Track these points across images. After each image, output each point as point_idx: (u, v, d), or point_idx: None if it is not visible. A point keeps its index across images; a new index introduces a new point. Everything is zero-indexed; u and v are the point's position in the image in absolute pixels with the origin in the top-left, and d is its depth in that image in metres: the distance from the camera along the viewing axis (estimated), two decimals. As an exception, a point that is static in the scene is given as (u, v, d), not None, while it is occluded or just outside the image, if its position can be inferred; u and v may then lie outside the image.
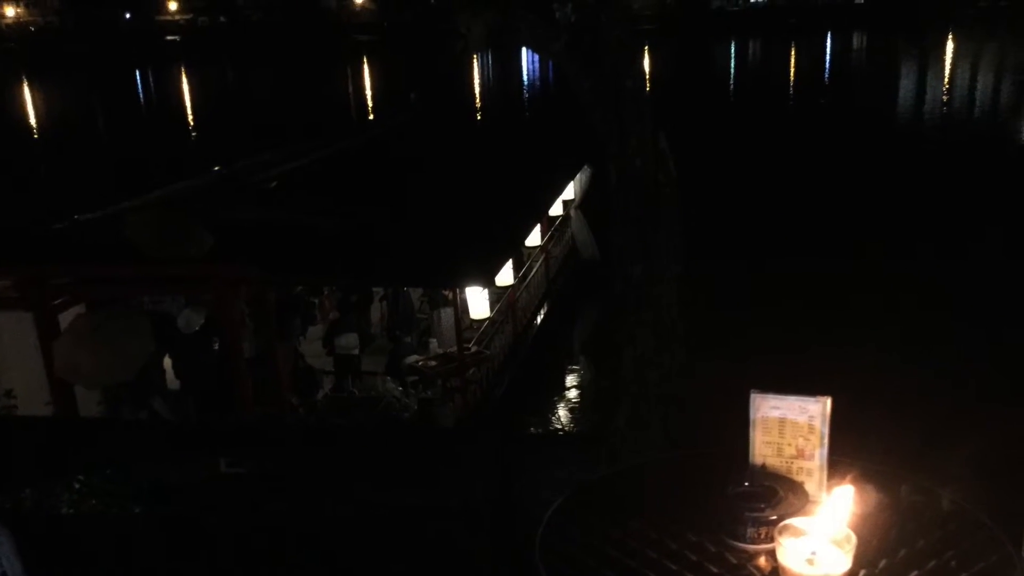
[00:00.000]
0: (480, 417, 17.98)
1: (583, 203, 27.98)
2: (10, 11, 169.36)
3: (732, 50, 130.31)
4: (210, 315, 16.20)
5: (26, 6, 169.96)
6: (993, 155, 45.44)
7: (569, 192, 27.50)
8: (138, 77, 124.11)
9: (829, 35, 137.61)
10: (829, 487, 3.21)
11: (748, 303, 23.13)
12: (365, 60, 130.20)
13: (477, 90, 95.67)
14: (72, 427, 15.04)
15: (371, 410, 17.33)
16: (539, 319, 23.59)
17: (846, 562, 2.81)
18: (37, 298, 15.75)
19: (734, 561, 3.07)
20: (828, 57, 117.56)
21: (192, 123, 79.67)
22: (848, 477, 3.13)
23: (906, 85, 79.06)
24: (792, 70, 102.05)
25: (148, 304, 17.51)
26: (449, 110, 66.43)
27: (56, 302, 15.92)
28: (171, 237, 15.72)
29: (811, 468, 3.27)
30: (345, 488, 10.44)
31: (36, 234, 18.44)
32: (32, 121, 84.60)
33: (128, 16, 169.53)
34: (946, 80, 78.92)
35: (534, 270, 24.11)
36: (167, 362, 16.95)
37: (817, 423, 3.24)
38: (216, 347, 16.42)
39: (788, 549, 2.86)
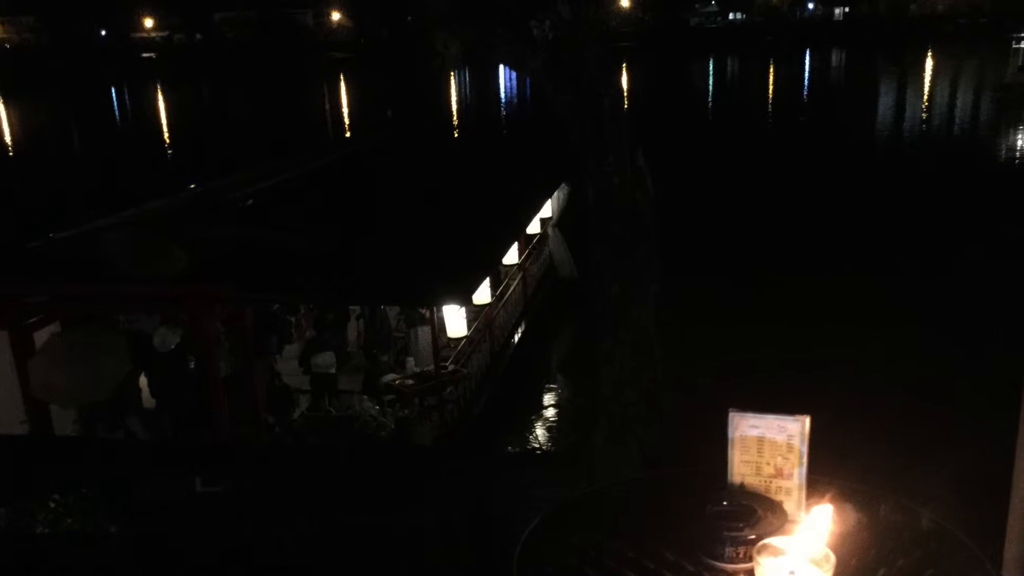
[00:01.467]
0: (458, 436, 17.93)
1: (561, 221, 27.97)
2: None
3: (710, 67, 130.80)
4: (186, 334, 16.13)
5: (1, 24, 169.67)
6: (972, 172, 45.69)
7: (547, 210, 27.50)
8: (114, 94, 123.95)
9: (807, 52, 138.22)
10: (808, 506, 3.20)
11: (727, 321, 23.13)
12: (342, 77, 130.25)
13: (454, 107, 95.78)
14: (47, 446, 14.98)
15: (348, 429, 17.26)
16: (517, 337, 23.57)
17: (825, 582, 2.80)
18: (12, 316, 15.66)
19: (713, 581, 3.06)
20: (807, 74, 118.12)
21: (168, 140, 79.63)
22: (827, 496, 3.12)
23: (885, 102, 79.53)
24: (771, 87, 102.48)
25: (123, 323, 17.43)
26: (426, 127, 66.58)
27: (31, 320, 15.84)
28: (146, 255, 15.68)
29: (790, 487, 3.26)
30: (321, 507, 10.41)
31: (11, 252, 18.36)
32: (7, 138, 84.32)
33: (103, 33, 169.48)
34: (925, 97, 79.40)
35: (511, 288, 24.08)
36: (142, 381, 16.87)
37: (796, 442, 3.22)
38: (192, 366, 16.35)
39: (767, 568, 2.85)
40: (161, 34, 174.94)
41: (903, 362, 19.53)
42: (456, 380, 18.84)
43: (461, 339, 20.45)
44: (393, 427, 17.48)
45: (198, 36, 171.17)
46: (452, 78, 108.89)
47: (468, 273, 17.87)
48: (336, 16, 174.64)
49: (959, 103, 76.87)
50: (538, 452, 19.71)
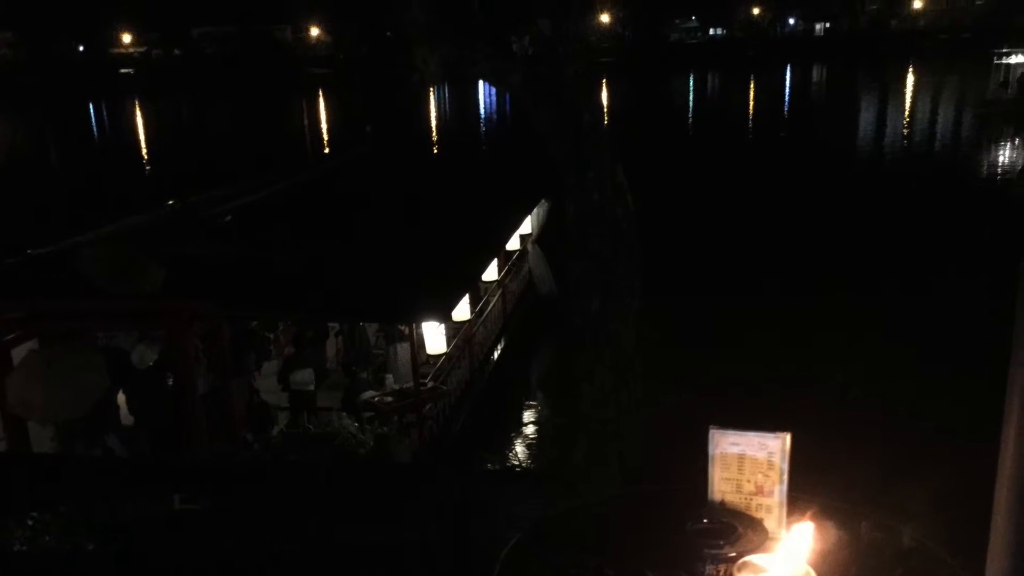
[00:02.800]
0: (437, 453, 17.88)
1: (541, 237, 27.97)
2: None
3: (691, 83, 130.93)
4: (164, 350, 16.07)
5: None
6: (954, 189, 45.81)
7: (527, 226, 27.49)
8: (91, 110, 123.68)
9: (788, 68, 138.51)
10: (789, 524, 3.18)
11: (708, 339, 23.15)
12: (321, 94, 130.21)
13: (434, 123, 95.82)
14: (25, 463, 14.89)
15: (327, 446, 17.20)
16: (496, 354, 23.54)
17: (806, 600, 2.78)
18: (-11, 333, 15.59)
19: (693, 599, 3.04)
20: (788, 90, 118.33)
21: (146, 156, 79.56)
22: (808, 513, 3.11)
23: (866, 118, 79.75)
24: (751, 103, 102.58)
25: (101, 339, 17.36)
26: (405, 143, 66.58)
27: (8, 337, 15.76)
28: (124, 271, 15.62)
29: (770, 504, 3.25)
30: (300, 525, 10.36)
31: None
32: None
33: (81, 49, 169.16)
34: (906, 113, 79.64)
35: (491, 305, 24.07)
36: (120, 398, 16.79)
37: (777, 459, 3.21)
38: (170, 383, 16.28)
39: (748, 587, 2.83)
40: (139, 50, 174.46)
41: (884, 378, 19.56)
42: (435, 397, 18.80)
43: (440, 356, 20.42)
44: (372, 444, 17.43)
45: (176, 51, 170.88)
46: (432, 94, 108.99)
47: (448, 290, 17.86)
48: (315, 32, 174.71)
49: (940, 119, 77.15)
50: (518, 469, 19.68)
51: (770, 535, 3.16)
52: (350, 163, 31.79)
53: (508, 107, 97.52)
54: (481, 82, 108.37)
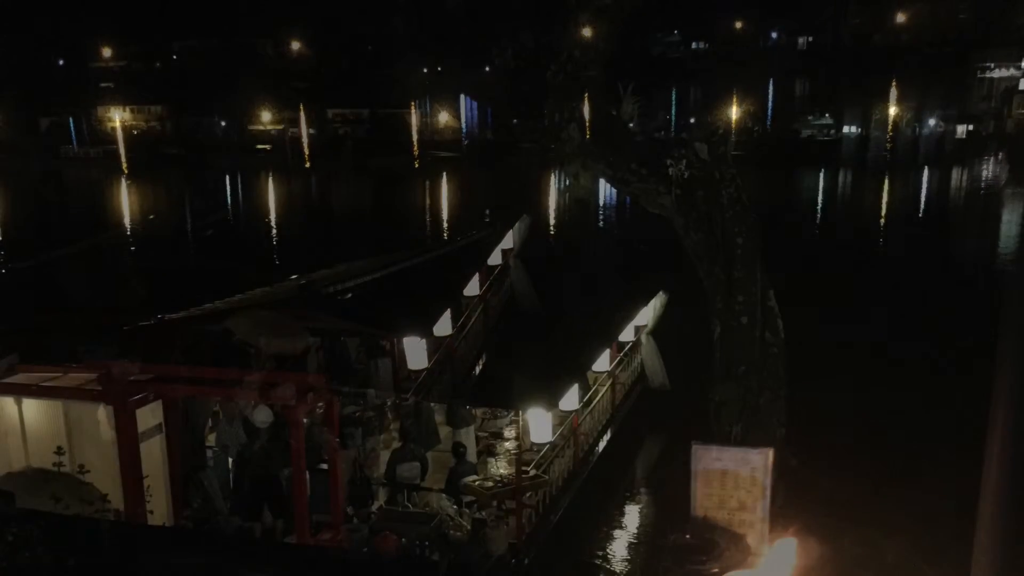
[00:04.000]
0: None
1: (522, 252, 27.90)
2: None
3: (673, 97, 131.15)
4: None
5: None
6: (938, 202, 46.04)
7: (508, 241, 27.42)
8: (71, 123, 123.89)
9: (771, 81, 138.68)
10: (771, 539, 3.20)
11: (695, 351, 23.15)
12: (302, 108, 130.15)
13: (415, 137, 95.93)
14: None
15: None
16: (478, 369, 23.45)
17: (790, 616, 2.79)
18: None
19: (676, 615, 3.05)
20: (770, 103, 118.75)
21: (126, 169, 79.86)
22: (791, 529, 3.12)
23: (849, 131, 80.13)
24: (734, 116, 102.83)
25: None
26: (388, 156, 66.65)
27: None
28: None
29: (753, 520, 3.26)
30: None
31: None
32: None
33: (61, 63, 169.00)
34: (889, 126, 79.96)
35: (473, 320, 24.00)
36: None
37: (759, 475, 3.23)
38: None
39: (731, 603, 2.85)
40: (120, 63, 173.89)
41: (869, 395, 19.64)
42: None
43: (422, 371, 20.38)
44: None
45: (157, 65, 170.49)
46: (413, 107, 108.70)
47: (430, 305, 17.88)
48: (296, 45, 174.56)
49: (923, 132, 77.51)
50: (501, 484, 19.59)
51: (752, 551, 3.17)
52: (333, 176, 31.92)
53: (490, 119, 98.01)
54: (463, 97, 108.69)
